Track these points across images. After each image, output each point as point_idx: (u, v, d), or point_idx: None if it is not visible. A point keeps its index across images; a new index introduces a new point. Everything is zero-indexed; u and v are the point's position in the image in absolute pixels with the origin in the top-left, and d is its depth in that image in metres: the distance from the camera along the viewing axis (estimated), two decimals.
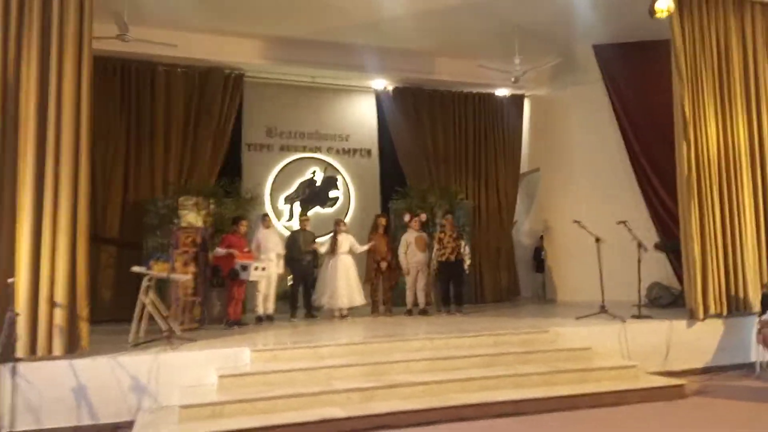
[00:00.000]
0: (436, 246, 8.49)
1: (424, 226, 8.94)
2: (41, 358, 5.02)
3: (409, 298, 8.71)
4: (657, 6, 6.81)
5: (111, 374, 5.10)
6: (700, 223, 6.98)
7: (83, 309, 5.22)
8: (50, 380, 4.97)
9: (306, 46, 9.38)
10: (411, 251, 8.58)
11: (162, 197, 8.78)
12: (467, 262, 8.49)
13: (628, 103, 9.37)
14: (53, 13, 5.37)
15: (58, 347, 5.05)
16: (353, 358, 5.73)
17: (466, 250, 8.49)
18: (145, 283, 6.24)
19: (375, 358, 5.72)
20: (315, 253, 8.44)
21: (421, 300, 8.65)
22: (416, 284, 8.64)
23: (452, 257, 8.38)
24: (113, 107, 8.92)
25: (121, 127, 8.97)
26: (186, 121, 9.31)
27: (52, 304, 5.08)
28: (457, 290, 8.56)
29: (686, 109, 7.07)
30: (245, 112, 10.13)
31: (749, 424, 4.85)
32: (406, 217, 8.90)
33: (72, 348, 5.12)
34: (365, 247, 8.51)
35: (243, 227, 7.74)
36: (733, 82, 7.40)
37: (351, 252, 8.47)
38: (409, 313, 8.61)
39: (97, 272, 8.44)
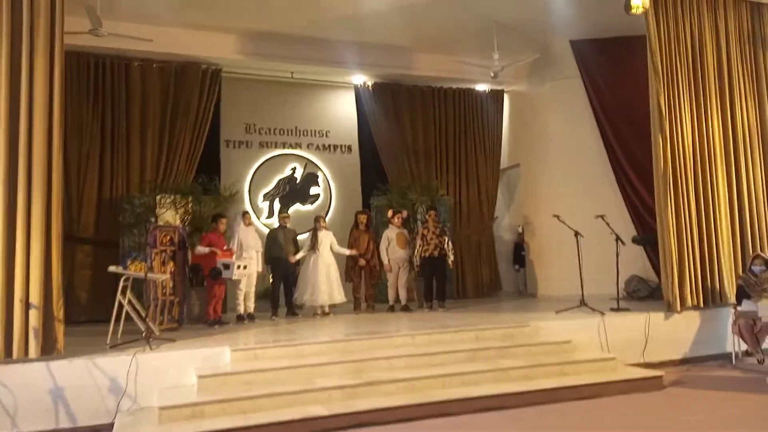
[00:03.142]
0: (418, 242, 8.49)
1: (406, 223, 8.93)
2: (16, 361, 4.91)
3: (390, 295, 8.71)
4: (632, 2, 6.88)
5: (89, 376, 5.02)
6: (676, 216, 7.08)
7: (58, 310, 5.11)
8: (26, 383, 4.87)
9: (284, 41, 9.30)
10: (392, 248, 8.57)
11: (139, 195, 8.64)
12: (450, 258, 8.50)
13: (605, 97, 9.48)
14: (23, 6, 5.21)
15: (33, 349, 4.94)
16: (335, 355, 5.71)
17: (449, 245, 8.50)
18: (122, 283, 6.14)
19: (357, 355, 5.70)
20: (296, 251, 8.37)
21: (403, 296, 8.65)
22: (398, 280, 8.64)
23: (435, 253, 8.39)
24: (87, 103, 8.74)
25: (95, 124, 8.79)
26: (162, 118, 9.14)
27: (27, 306, 4.97)
28: (440, 286, 8.58)
29: (662, 104, 7.16)
30: (223, 108, 9.96)
31: (727, 413, 4.93)
32: (389, 214, 8.89)
33: (48, 350, 5.01)
34: (347, 252, 8.48)
35: (222, 225, 7.66)
36: (707, 77, 7.52)
37: (332, 250, 8.42)
38: (391, 309, 8.60)
39: (73, 272, 8.31)
